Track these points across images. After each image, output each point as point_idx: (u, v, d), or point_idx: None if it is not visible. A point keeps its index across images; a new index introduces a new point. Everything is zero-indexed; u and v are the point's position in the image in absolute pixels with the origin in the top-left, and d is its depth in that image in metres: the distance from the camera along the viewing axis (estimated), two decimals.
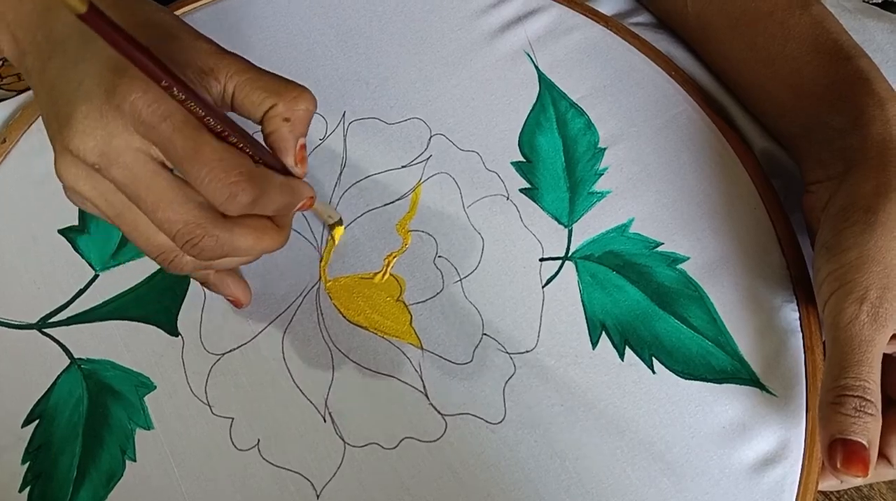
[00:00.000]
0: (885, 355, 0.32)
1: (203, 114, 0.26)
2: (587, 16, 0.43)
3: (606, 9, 0.44)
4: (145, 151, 0.26)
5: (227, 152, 0.26)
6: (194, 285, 0.37)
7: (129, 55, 0.23)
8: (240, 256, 0.29)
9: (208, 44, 0.29)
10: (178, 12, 0.43)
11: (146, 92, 0.25)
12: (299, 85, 0.29)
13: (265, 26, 0.42)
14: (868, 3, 0.46)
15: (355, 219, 0.38)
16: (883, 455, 0.33)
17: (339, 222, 0.37)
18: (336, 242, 0.38)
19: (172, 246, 0.28)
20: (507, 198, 0.38)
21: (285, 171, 0.29)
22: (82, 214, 0.39)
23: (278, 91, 0.28)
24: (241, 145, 0.27)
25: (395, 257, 0.37)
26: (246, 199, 0.26)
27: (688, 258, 0.37)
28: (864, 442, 0.29)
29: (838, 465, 0.29)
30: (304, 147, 0.30)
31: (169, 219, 0.27)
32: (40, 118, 0.41)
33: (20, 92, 0.43)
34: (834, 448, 0.30)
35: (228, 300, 0.35)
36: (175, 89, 0.24)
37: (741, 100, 0.41)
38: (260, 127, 0.29)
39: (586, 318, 0.36)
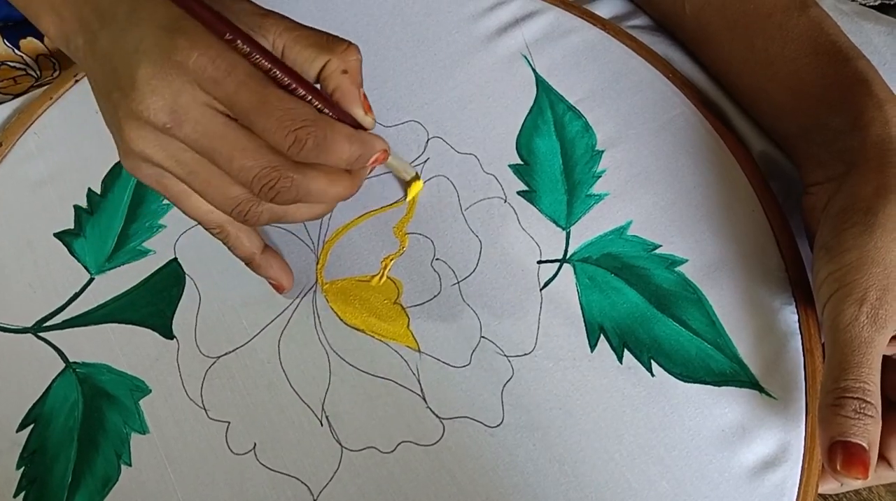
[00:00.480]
0: (885, 357, 0.31)
1: (268, 65, 0.27)
2: (584, 19, 0.43)
3: (604, 12, 0.44)
4: (212, 105, 0.27)
5: (292, 102, 0.27)
6: (189, 287, 0.37)
7: (188, 5, 0.25)
8: (313, 201, 0.30)
9: (250, 4, 0.30)
10: None
11: (208, 47, 0.26)
12: (344, 39, 0.30)
13: None
14: (865, 5, 0.46)
15: (352, 222, 0.38)
16: (883, 457, 0.32)
17: (417, 177, 0.38)
18: (413, 198, 0.38)
19: (248, 196, 0.29)
20: (505, 201, 0.38)
21: (356, 126, 0.30)
22: (78, 217, 0.39)
23: (329, 46, 0.29)
24: (308, 97, 0.28)
25: (392, 260, 0.37)
26: (311, 143, 0.27)
27: (686, 260, 0.36)
28: (864, 444, 0.29)
29: (838, 467, 0.29)
30: (366, 97, 0.30)
31: (245, 165, 0.27)
32: (36, 121, 0.41)
33: (16, 95, 0.43)
34: (834, 450, 0.29)
35: (271, 283, 0.35)
36: (239, 41, 0.26)
37: (740, 102, 0.41)
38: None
39: (584, 321, 0.35)
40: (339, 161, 0.29)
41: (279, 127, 0.27)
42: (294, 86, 0.28)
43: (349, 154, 0.29)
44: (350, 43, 0.30)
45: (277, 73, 0.27)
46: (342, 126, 0.29)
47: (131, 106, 0.27)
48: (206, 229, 0.32)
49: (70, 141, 0.41)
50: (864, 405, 0.29)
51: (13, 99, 0.42)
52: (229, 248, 0.33)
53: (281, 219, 0.31)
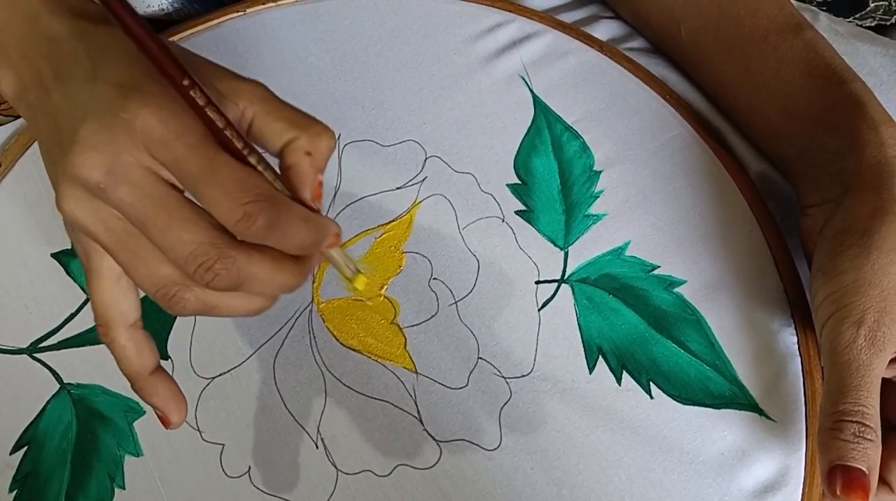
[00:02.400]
0: (884, 379, 0.31)
1: (222, 128, 0.25)
2: (582, 41, 0.43)
3: (601, 34, 0.45)
4: (156, 171, 0.25)
5: (245, 173, 0.24)
6: None
7: (146, 46, 0.22)
8: (254, 290, 0.26)
9: (225, 69, 0.28)
10: (175, 38, 0.43)
11: (160, 107, 0.24)
12: (321, 121, 0.28)
13: (262, 50, 0.43)
14: (861, 26, 0.46)
15: (349, 241, 0.38)
16: (884, 480, 0.32)
17: (358, 272, 0.35)
18: (411, 217, 0.37)
19: (175, 278, 0.26)
20: (503, 221, 0.38)
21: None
22: None
23: (302, 124, 0.27)
24: (260, 169, 0.26)
25: (389, 279, 0.37)
26: (262, 221, 0.24)
27: (685, 281, 0.36)
28: (864, 469, 0.29)
29: (838, 492, 0.29)
30: (321, 184, 0.28)
31: (182, 238, 0.24)
32: (35, 143, 0.41)
33: (17, 117, 0.43)
34: (833, 474, 0.29)
35: (157, 414, 0.29)
36: (194, 93, 0.23)
37: (737, 123, 0.41)
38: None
39: (583, 342, 0.35)
40: (290, 245, 0.26)
41: (227, 198, 0.24)
42: (246, 152, 0.25)
43: (303, 237, 0.26)
44: (326, 128, 0.27)
45: (228, 134, 0.25)
46: (298, 206, 0.26)
47: (68, 161, 0.24)
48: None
49: None
50: (863, 428, 0.29)
51: (15, 120, 0.43)
52: (115, 358, 0.29)
53: (211, 311, 0.27)
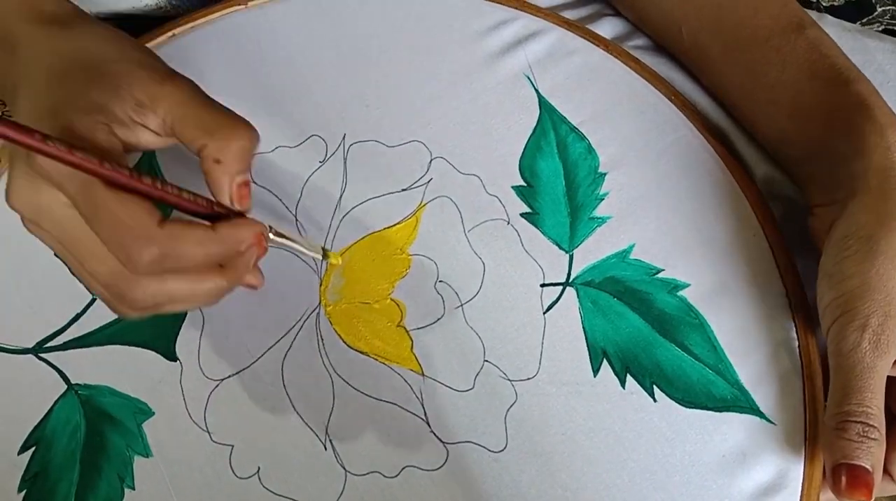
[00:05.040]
0: (890, 376, 0.32)
1: (98, 169, 0.25)
2: (587, 39, 0.43)
3: (606, 31, 0.44)
4: (72, 206, 0.26)
5: (127, 211, 0.25)
6: (193, 309, 0.37)
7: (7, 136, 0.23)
8: (182, 303, 0.28)
9: (149, 72, 0.28)
10: (176, 31, 0.42)
11: None
12: (236, 120, 0.28)
13: (266, 48, 0.42)
14: (870, 29, 0.46)
15: (355, 242, 0.38)
16: (887, 472, 0.33)
17: (325, 253, 0.35)
18: (416, 219, 0.37)
19: (107, 298, 0.28)
20: (508, 223, 0.38)
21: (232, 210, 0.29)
22: None
23: (210, 130, 0.28)
24: (164, 193, 0.27)
25: (395, 282, 0.37)
26: (145, 259, 0.25)
27: (688, 285, 0.37)
28: (868, 467, 0.30)
29: (842, 489, 0.30)
30: (243, 184, 0.28)
31: (96, 270, 0.27)
32: None
33: None
34: (838, 472, 0.30)
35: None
36: (53, 150, 0.24)
37: (742, 124, 0.41)
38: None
39: (587, 345, 0.36)
40: (193, 265, 0.27)
41: (110, 240, 0.25)
42: (140, 185, 0.26)
43: (203, 256, 0.27)
44: (237, 126, 0.28)
45: (115, 173, 0.25)
46: (189, 229, 0.26)
47: (7, 195, 0.27)
48: None
49: None
50: (867, 428, 0.30)
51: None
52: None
53: (155, 311, 0.29)
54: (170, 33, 0.42)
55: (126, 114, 0.28)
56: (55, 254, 0.29)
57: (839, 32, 0.43)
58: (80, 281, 0.29)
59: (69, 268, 0.29)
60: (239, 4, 0.43)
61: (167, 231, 0.26)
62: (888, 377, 0.32)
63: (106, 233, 0.25)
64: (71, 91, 0.27)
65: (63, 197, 0.26)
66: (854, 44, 0.44)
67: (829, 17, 0.44)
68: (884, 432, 0.30)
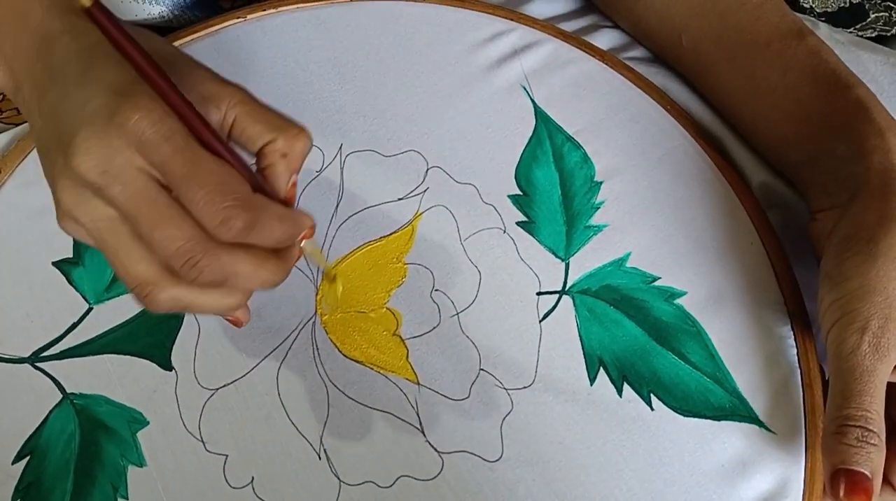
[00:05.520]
0: (890, 383, 0.31)
1: (204, 133, 0.26)
2: (583, 50, 0.43)
3: (602, 43, 0.45)
4: (147, 171, 0.26)
5: (226, 176, 0.26)
6: (188, 318, 0.37)
7: (134, 60, 0.23)
8: (237, 284, 0.28)
9: (209, 72, 0.29)
10: (175, 43, 0.43)
11: (150, 111, 0.25)
12: (299, 123, 0.29)
13: (263, 58, 0.43)
14: (862, 37, 0.47)
15: (351, 253, 0.38)
16: (888, 482, 0.32)
17: (334, 279, 0.36)
18: (413, 228, 0.38)
19: (153, 277, 0.27)
20: (504, 231, 0.38)
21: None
22: (77, 246, 0.38)
23: (279, 126, 0.29)
24: (239, 171, 0.27)
25: (391, 290, 0.37)
26: (239, 225, 0.25)
27: (685, 293, 0.37)
28: (867, 472, 0.29)
29: (841, 495, 0.29)
30: (295, 184, 0.30)
31: (170, 235, 0.26)
32: (35, 150, 0.41)
33: (17, 125, 0.43)
34: (837, 478, 0.30)
35: (227, 319, 0.33)
36: (175, 99, 0.25)
37: (741, 131, 0.41)
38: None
39: (584, 354, 0.35)
40: (269, 241, 0.27)
41: (207, 201, 0.25)
42: (226, 157, 0.26)
43: (280, 234, 0.27)
44: (303, 129, 0.29)
45: (212, 142, 0.26)
46: (275, 204, 0.27)
47: (66, 164, 0.26)
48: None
49: None
50: (866, 433, 0.30)
51: (14, 128, 0.42)
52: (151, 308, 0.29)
53: (186, 308, 0.28)
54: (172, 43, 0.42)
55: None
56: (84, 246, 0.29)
57: (832, 45, 0.43)
58: (122, 267, 0.27)
59: (109, 253, 0.27)
60: (238, 17, 0.44)
61: (259, 200, 0.26)
62: (889, 383, 0.31)
63: (201, 195, 0.25)
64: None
65: (139, 160, 0.26)
66: (848, 56, 0.44)
67: (823, 28, 0.45)
68: (884, 438, 0.30)
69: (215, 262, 0.26)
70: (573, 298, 0.37)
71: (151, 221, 0.26)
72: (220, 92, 0.29)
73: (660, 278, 0.37)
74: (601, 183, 0.39)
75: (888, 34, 0.46)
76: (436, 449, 0.34)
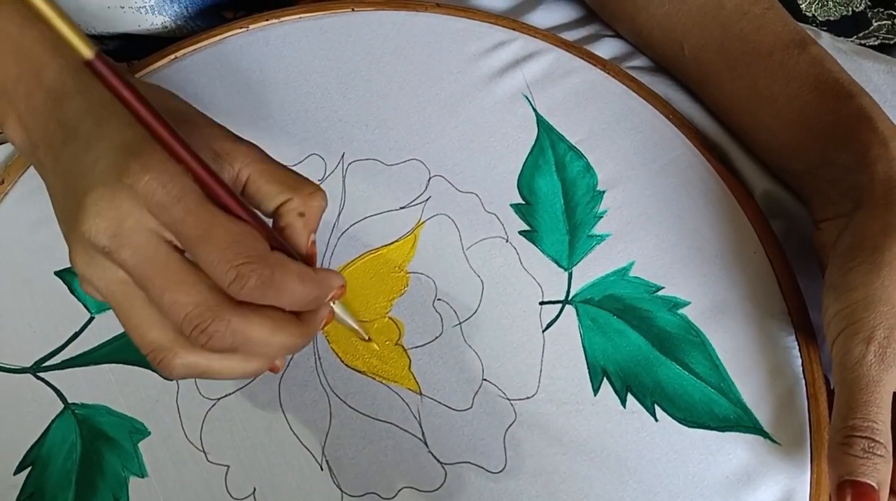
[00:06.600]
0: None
1: (218, 192, 0.25)
2: (585, 59, 0.43)
3: (604, 52, 0.45)
4: (158, 233, 0.25)
5: (241, 234, 0.25)
6: None
7: (144, 118, 0.23)
8: (252, 351, 0.27)
9: (223, 130, 0.29)
10: (178, 54, 0.43)
11: (161, 172, 0.25)
12: (313, 182, 0.29)
13: (265, 68, 0.43)
14: (864, 45, 0.47)
15: (352, 261, 0.38)
16: (894, 493, 0.32)
17: (369, 340, 0.36)
18: (415, 237, 0.37)
19: (166, 343, 0.26)
20: (507, 241, 0.38)
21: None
22: None
23: (295, 186, 0.28)
24: (256, 229, 0.26)
25: (393, 300, 0.37)
26: (254, 281, 0.24)
27: (689, 302, 0.36)
28: (874, 484, 0.29)
29: None
30: (314, 243, 0.29)
31: (178, 300, 0.25)
32: None
33: None
34: (843, 489, 0.29)
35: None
36: (185, 156, 0.24)
37: (744, 141, 0.41)
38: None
39: (587, 364, 0.35)
40: (289, 302, 0.26)
41: (221, 260, 0.24)
42: (242, 215, 0.26)
43: (301, 294, 0.26)
44: (318, 187, 0.28)
45: (226, 201, 0.25)
46: (294, 263, 0.26)
47: (78, 227, 0.25)
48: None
49: None
50: (872, 444, 0.29)
51: None
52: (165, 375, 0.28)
53: (203, 374, 0.27)
54: (171, 56, 0.42)
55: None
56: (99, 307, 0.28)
57: (835, 54, 0.43)
58: (135, 331, 0.27)
59: (122, 318, 0.27)
60: (241, 27, 0.44)
61: (276, 257, 0.25)
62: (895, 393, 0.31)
63: (216, 254, 0.24)
64: None
65: (150, 222, 0.25)
66: (850, 65, 0.44)
67: (825, 37, 0.45)
68: (890, 449, 0.30)
69: (225, 328, 0.25)
70: (576, 308, 0.37)
71: (161, 286, 0.25)
72: (234, 150, 0.28)
73: (663, 288, 0.37)
74: (604, 192, 0.39)
75: (891, 42, 0.46)
76: (438, 460, 0.33)
